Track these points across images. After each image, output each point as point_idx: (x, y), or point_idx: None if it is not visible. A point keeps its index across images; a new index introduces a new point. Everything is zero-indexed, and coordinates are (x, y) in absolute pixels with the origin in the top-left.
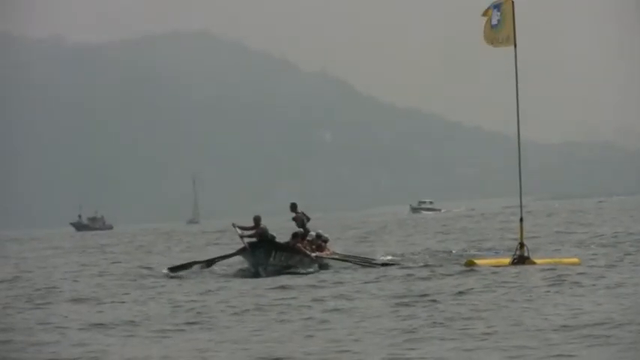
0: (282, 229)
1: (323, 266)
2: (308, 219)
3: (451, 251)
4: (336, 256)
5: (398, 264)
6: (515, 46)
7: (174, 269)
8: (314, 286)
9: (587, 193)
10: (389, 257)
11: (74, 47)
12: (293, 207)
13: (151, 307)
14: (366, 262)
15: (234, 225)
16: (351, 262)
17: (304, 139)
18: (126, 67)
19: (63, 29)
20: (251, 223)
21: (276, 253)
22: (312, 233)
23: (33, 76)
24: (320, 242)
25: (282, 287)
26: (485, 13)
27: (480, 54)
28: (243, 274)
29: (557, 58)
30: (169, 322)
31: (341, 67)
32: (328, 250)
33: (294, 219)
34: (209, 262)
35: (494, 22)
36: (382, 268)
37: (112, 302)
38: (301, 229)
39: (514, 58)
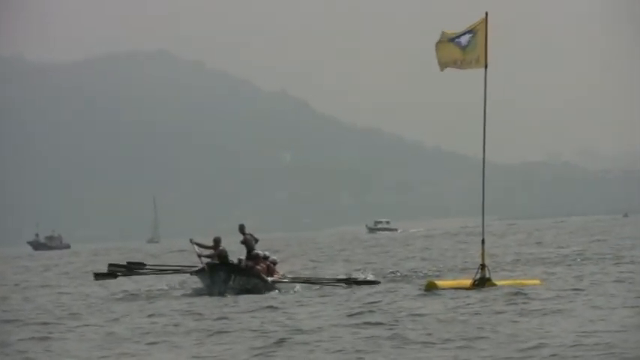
0: (233, 252)
1: (279, 289)
2: (256, 240)
3: (412, 270)
4: (288, 279)
5: (356, 284)
6: (485, 67)
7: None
8: (272, 307)
9: (548, 214)
10: (346, 277)
11: (34, 66)
12: (241, 229)
13: (113, 330)
14: (323, 283)
15: (192, 241)
16: (308, 282)
17: (264, 158)
18: (85, 86)
19: (23, 48)
20: (210, 243)
21: (235, 277)
22: (260, 253)
23: None
24: (269, 264)
25: (242, 309)
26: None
27: (441, 75)
28: (200, 294)
29: (518, 79)
30: (129, 346)
31: (301, 87)
32: (278, 272)
33: (242, 241)
34: (161, 270)
35: (464, 42)
36: (340, 289)
37: (77, 327)
38: (254, 251)
39: (484, 80)
